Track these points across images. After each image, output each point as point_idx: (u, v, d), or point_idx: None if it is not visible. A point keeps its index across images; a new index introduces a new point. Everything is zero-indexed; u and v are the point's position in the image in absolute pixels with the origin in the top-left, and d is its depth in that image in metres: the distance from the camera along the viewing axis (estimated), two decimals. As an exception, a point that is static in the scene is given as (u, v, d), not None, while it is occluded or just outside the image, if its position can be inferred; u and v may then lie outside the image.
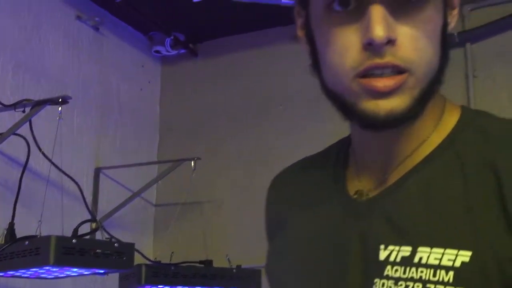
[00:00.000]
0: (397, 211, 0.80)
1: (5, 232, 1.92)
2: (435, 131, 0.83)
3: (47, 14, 2.62)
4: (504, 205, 0.73)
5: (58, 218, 1.98)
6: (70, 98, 2.00)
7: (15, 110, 2.07)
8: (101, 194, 2.77)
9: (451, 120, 0.84)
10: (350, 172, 0.90)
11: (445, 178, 0.79)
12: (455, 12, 0.84)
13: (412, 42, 0.76)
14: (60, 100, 1.99)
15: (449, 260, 0.73)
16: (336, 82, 0.80)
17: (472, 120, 0.83)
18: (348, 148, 0.92)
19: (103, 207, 2.68)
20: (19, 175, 2.07)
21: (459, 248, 0.73)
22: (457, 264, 0.73)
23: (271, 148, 2.88)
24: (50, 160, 2.06)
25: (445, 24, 0.81)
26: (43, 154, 2.06)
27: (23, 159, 2.11)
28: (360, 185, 0.87)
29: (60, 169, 2.08)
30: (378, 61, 0.75)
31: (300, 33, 0.86)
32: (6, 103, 2.13)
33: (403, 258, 0.76)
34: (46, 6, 2.62)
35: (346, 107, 0.80)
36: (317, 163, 0.95)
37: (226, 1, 2.63)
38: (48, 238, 1.72)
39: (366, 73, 0.76)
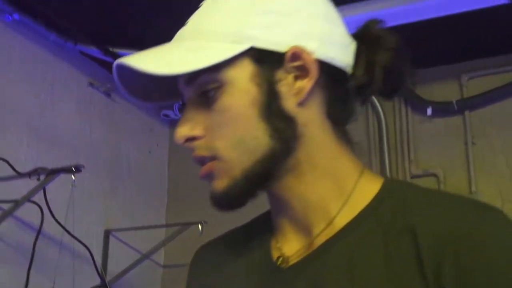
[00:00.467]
0: (322, 279, 0.81)
1: (19, 297, 1.99)
2: (348, 202, 0.84)
3: (60, 81, 2.73)
4: (422, 270, 0.75)
5: (70, 282, 2.05)
6: (83, 166, 2.09)
7: (30, 178, 2.15)
8: (111, 256, 2.83)
9: (371, 189, 0.85)
10: (274, 240, 0.91)
11: (368, 246, 0.80)
12: (308, 79, 0.83)
13: (213, 132, 0.82)
14: (73, 169, 2.08)
15: None
16: None
17: (393, 189, 0.85)
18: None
19: (113, 268, 2.74)
20: (33, 240, 2.14)
21: None
22: None
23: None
24: (63, 227, 2.14)
25: (268, 98, 0.82)
26: (56, 221, 2.13)
27: (36, 224, 2.18)
28: (281, 251, 0.88)
29: (72, 235, 2.15)
30: (193, 154, 0.85)
31: None
32: (20, 169, 2.21)
33: None
34: (59, 73, 2.73)
35: None
36: (243, 234, 0.98)
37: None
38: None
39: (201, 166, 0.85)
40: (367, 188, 0.85)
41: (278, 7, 0.82)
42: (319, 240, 0.85)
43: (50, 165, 2.47)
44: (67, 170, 2.08)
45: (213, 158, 0.83)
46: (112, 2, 2.51)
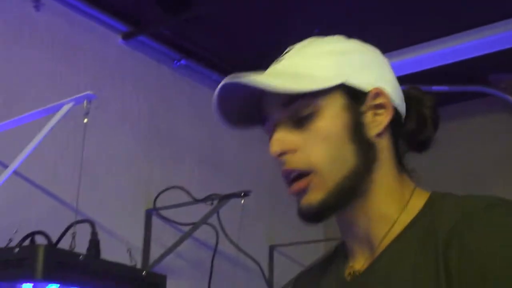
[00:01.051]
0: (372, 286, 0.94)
1: (202, 309, 2.29)
2: (403, 213, 0.96)
3: (223, 114, 3.06)
4: (438, 271, 0.85)
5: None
6: (250, 192, 2.37)
7: (205, 203, 2.47)
8: (276, 269, 3.10)
9: (418, 203, 0.96)
10: (347, 261, 1.03)
11: (401, 260, 0.91)
12: (381, 114, 0.97)
13: (310, 149, 0.94)
14: (242, 194, 2.36)
15: None
16: None
17: (434, 203, 0.95)
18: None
19: (279, 281, 3.00)
20: (211, 258, 2.44)
21: None
22: None
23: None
24: (236, 245, 2.43)
25: (355, 124, 0.96)
26: (230, 240, 2.43)
27: (212, 243, 2.48)
28: (352, 267, 1.00)
29: (245, 253, 2.43)
30: (283, 168, 0.96)
31: None
32: (195, 196, 2.53)
33: None
34: (222, 108, 3.05)
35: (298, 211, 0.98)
36: (329, 260, 1.10)
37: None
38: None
39: (288, 181, 0.96)
40: (416, 204, 0.97)
41: (362, 56, 1.01)
42: (372, 258, 0.97)
43: (218, 189, 2.80)
44: (237, 195, 2.36)
45: (309, 172, 0.94)
46: (260, 42, 2.79)
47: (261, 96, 0.99)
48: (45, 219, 2.16)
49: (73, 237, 1.51)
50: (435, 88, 3.10)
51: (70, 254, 1.45)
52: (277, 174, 2.87)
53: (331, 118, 0.95)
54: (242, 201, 2.36)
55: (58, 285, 1.46)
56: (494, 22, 2.64)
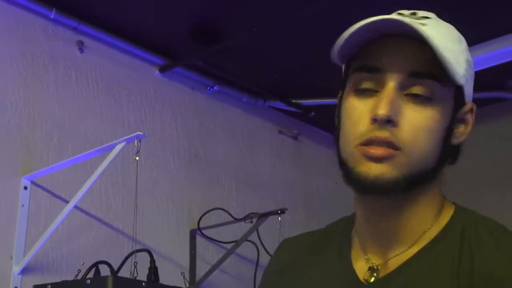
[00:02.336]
0: None
1: (249, 321, 2.46)
2: (435, 224, 0.96)
3: (255, 134, 3.23)
4: None
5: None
6: (287, 209, 2.53)
7: (245, 222, 2.63)
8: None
9: (445, 216, 0.97)
10: (355, 252, 1.00)
11: (436, 272, 0.91)
12: (464, 129, 0.98)
13: (411, 128, 0.90)
14: (279, 211, 2.53)
15: None
16: (344, 148, 0.94)
17: (461, 219, 0.96)
18: (351, 230, 1.04)
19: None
20: (253, 273, 2.61)
21: None
22: None
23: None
24: (276, 260, 2.59)
25: (449, 130, 0.95)
26: (270, 255, 2.58)
27: (254, 259, 2.64)
28: (369, 260, 0.97)
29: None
30: (377, 134, 0.90)
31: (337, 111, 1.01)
32: (234, 215, 2.70)
33: None
34: (254, 128, 3.22)
35: (348, 172, 0.93)
36: (321, 240, 1.07)
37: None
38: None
39: (367, 143, 0.90)
40: (444, 216, 0.97)
41: (472, 66, 0.98)
42: (394, 262, 0.95)
43: (255, 206, 2.97)
44: (274, 213, 2.53)
45: (398, 148, 0.90)
46: (286, 63, 2.95)
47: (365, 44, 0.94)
48: (103, 248, 2.35)
49: (135, 266, 1.68)
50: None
51: (134, 282, 1.62)
52: (310, 188, 3.03)
53: (440, 112, 0.93)
54: (279, 218, 2.53)
55: (125, 310, 1.64)
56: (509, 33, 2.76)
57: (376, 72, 0.93)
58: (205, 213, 2.65)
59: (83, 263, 1.72)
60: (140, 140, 1.88)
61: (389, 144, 0.90)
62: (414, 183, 0.92)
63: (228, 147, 3.07)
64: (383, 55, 0.93)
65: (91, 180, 1.97)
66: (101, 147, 2.04)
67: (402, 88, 0.92)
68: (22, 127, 2.26)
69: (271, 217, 2.58)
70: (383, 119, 0.90)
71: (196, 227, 2.68)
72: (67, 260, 2.25)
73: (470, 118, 0.98)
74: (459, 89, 0.95)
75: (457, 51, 0.94)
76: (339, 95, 1.01)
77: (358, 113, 0.93)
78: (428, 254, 0.93)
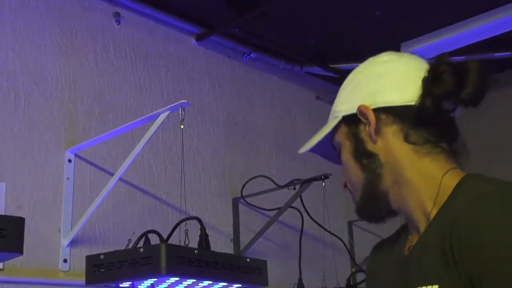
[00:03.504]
0: (410, 266, 1.10)
1: (296, 286, 2.46)
2: (438, 196, 1.10)
3: (293, 100, 3.20)
4: (452, 255, 0.99)
5: (334, 269, 2.49)
6: (331, 174, 2.51)
7: (288, 189, 2.62)
8: (356, 243, 3.25)
9: (450, 185, 1.09)
10: (408, 241, 1.19)
11: (431, 239, 1.06)
12: (366, 127, 1.14)
13: (345, 175, 1.21)
14: (322, 177, 2.51)
15: None
16: None
17: (461, 187, 1.08)
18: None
19: (359, 252, 3.13)
20: (298, 239, 2.60)
21: (433, 284, 1.02)
22: None
23: None
24: (320, 225, 2.58)
25: (356, 145, 1.17)
26: (315, 221, 2.58)
27: (298, 225, 2.64)
28: (411, 242, 1.16)
29: (329, 232, 2.58)
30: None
31: None
32: (274, 180, 2.69)
33: None
34: (292, 94, 3.20)
35: None
36: (400, 232, 1.26)
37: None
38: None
39: None
40: (448, 185, 1.09)
41: (351, 85, 1.20)
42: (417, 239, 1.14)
43: (295, 173, 2.96)
44: (317, 178, 2.51)
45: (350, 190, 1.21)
46: (323, 28, 2.91)
47: None
48: (148, 219, 2.36)
49: (186, 234, 1.68)
50: (497, 55, 3.18)
51: (187, 250, 1.62)
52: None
53: (345, 148, 1.18)
54: (323, 184, 2.51)
55: (178, 278, 1.64)
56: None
57: None
58: (247, 181, 2.64)
59: (134, 232, 1.72)
60: (184, 109, 1.87)
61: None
62: (370, 197, 1.16)
63: (266, 115, 3.05)
64: None
65: (136, 151, 1.97)
66: (144, 116, 2.03)
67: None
68: (64, 101, 2.27)
69: (314, 183, 2.56)
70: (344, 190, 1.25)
71: (238, 195, 2.68)
72: (114, 231, 2.27)
73: (366, 113, 1.13)
74: (343, 119, 1.17)
75: (335, 105, 1.23)
76: None
77: None
78: (429, 229, 1.09)
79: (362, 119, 1.14)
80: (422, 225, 1.12)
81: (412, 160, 1.12)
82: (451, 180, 1.09)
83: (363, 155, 1.15)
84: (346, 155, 1.18)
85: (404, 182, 1.13)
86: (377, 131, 1.14)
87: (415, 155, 1.12)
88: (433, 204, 1.10)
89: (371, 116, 1.13)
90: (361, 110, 1.14)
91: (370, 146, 1.15)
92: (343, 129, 1.18)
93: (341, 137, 1.19)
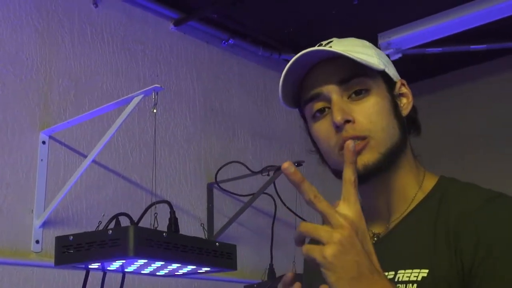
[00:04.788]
0: (389, 249, 1.10)
1: (267, 271, 2.49)
2: (419, 191, 1.15)
3: (271, 87, 3.22)
4: (448, 239, 1.03)
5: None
6: (303, 161, 2.53)
7: (262, 175, 2.65)
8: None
9: (429, 184, 1.16)
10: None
11: (419, 227, 1.10)
12: (405, 100, 1.18)
13: (365, 117, 1.11)
14: (296, 164, 2.53)
15: (414, 276, 1.05)
16: (331, 161, 1.16)
17: (442, 185, 1.15)
18: None
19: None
20: (271, 225, 2.63)
21: (421, 268, 1.04)
22: (419, 278, 1.04)
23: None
24: (293, 212, 2.61)
25: (394, 105, 1.16)
26: (288, 208, 2.61)
27: (271, 211, 2.67)
28: (371, 231, 1.16)
29: (302, 218, 2.61)
30: (344, 135, 1.10)
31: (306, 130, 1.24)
32: (250, 168, 2.71)
33: (389, 279, 1.03)
34: (269, 81, 3.22)
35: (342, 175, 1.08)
36: None
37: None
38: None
39: (342, 147, 1.05)
40: (427, 184, 1.16)
41: (378, 51, 1.20)
42: (391, 226, 1.16)
43: (271, 159, 2.99)
44: (291, 166, 2.53)
45: (365, 137, 1.10)
46: (302, 16, 2.93)
47: (303, 79, 1.17)
48: (122, 202, 2.38)
49: (155, 217, 1.70)
50: (473, 47, 3.21)
51: (155, 232, 1.64)
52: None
53: (381, 96, 1.14)
54: (297, 171, 2.53)
55: (146, 260, 1.67)
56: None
57: (318, 97, 1.14)
58: (222, 167, 2.67)
59: (104, 214, 1.74)
60: (157, 93, 1.88)
61: (356, 138, 1.09)
62: (392, 156, 1.12)
63: (243, 101, 3.07)
64: (317, 82, 1.14)
65: (109, 133, 1.98)
66: (118, 100, 2.04)
67: (343, 94, 1.12)
68: (39, 82, 2.27)
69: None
70: (341, 122, 1.09)
71: (213, 180, 2.70)
72: (87, 213, 2.28)
73: (405, 90, 1.19)
74: (384, 75, 1.16)
75: (363, 50, 1.16)
76: (307, 132, 1.23)
77: (323, 131, 1.14)
78: (413, 215, 1.13)
79: (398, 90, 1.18)
80: (394, 216, 1.15)
81: (411, 149, 1.19)
82: (430, 180, 1.17)
83: (401, 118, 1.16)
84: (384, 104, 1.14)
85: (406, 163, 1.16)
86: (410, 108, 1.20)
87: (409, 143, 1.19)
88: (419, 188, 1.15)
89: (411, 95, 1.19)
90: (403, 84, 1.20)
91: (402, 115, 1.17)
92: (381, 82, 1.16)
93: (378, 85, 1.15)
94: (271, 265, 2.49)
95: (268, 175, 2.62)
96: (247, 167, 2.66)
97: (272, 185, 2.61)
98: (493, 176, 2.88)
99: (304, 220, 2.66)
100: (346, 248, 0.88)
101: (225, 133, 2.93)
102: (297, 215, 2.63)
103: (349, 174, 0.94)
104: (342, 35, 1.23)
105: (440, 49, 3.17)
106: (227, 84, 3.01)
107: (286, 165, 0.93)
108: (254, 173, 2.66)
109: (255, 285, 2.41)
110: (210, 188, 2.77)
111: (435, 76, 3.64)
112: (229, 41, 2.99)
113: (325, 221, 0.92)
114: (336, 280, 0.88)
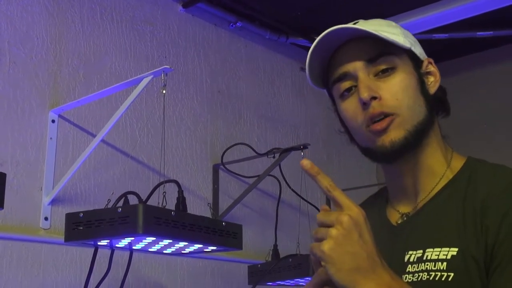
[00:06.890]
0: (417, 228, 1.14)
1: (271, 252, 2.52)
2: (448, 170, 1.17)
3: (278, 70, 3.24)
4: (481, 225, 1.05)
5: (309, 238, 2.55)
6: (309, 144, 2.56)
7: (267, 157, 2.67)
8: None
9: (457, 164, 1.18)
10: (389, 211, 1.24)
11: (448, 206, 1.12)
12: (432, 79, 1.20)
13: (392, 94, 1.13)
14: (301, 147, 2.56)
15: (443, 255, 1.07)
16: (360, 139, 1.19)
17: (471, 165, 1.17)
18: (382, 199, 1.29)
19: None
20: (275, 207, 2.66)
21: (450, 246, 1.06)
22: (449, 257, 1.06)
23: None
24: (298, 194, 2.64)
25: (421, 83, 1.18)
26: (293, 190, 2.64)
27: (276, 193, 2.70)
28: (399, 211, 1.21)
29: (306, 201, 2.64)
30: (371, 111, 1.13)
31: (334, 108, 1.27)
32: (255, 148, 2.74)
33: (417, 258, 1.11)
34: (276, 64, 3.24)
35: (372, 153, 1.16)
36: (373, 201, 1.31)
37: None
38: (308, 255, 2.28)
39: (369, 122, 1.13)
40: (456, 164, 1.19)
41: (404, 31, 1.22)
42: (420, 205, 1.18)
43: (276, 142, 3.02)
44: (296, 148, 2.56)
45: (391, 114, 1.12)
46: (311, 1, 2.95)
47: (330, 59, 1.19)
48: (129, 181, 2.41)
49: (164, 196, 1.73)
50: (480, 34, 3.22)
51: (164, 211, 1.67)
52: (331, 127, 3.05)
53: (407, 74, 1.16)
54: (302, 153, 2.56)
55: (155, 237, 1.70)
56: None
57: (346, 76, 1.16)
58: (228, 148, 2.69)
59: (113, 193, 1.77)
60: (166, 74, 1.91)
61: (384, 114, 1.12)
62: (419, 133, 1.13)
63: (250, 84, 3.09)
64: (343, 62, 1.17)
65: (118, 113, 2.01)
66: (128, 80, 2.06)
67: (369, 72, 1.15)
68: (49, 62, 2.29)
69: (293, 153, 2.61)
70: (367, 99, 1.12)
71: (219, 162, 2.72)
72: (95, 191, 2.31)
73: (432, 68, 1.22)
74: (410, 53, 1.18)
75: (389, 29, 1.17)
76: (335, 112, 1.26)
77: (351, 109, 1.16)
78: (442, 194, 1.15)
79: (425, 69, 1.20)
80: (421, 196, 1.17)
81: (439, 128, 1.21)
82: (458, 159, 1.19)
83: (428, 96, 1.18)
84: (410, 81, 1.16)
85: (432, 144, 1.18)
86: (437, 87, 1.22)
87: (437, 123, 1.21)
88: (447, 167, 1.17)
89: (438, 74, 1.22)
90: (431, 63, 1.22)
91: (429, 93, 1.19)
92: (408, 60, 1.18)
93: (404, 63, 1.17)
94: (275, 245, 2.51)
95: (274, 157, 2.64)
96: (253, 149, 2.69)
97: (278, 167, 2.63)
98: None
99: (308, 202, 2.69)
100: (342, 242, 0.95)
101: (231, 115, 2.95)
102: (301, 197, 2.66)
103: (323, 183, 1.00)
104: (348, 20, 1.24)
105: (446, 35, 3.18)
106: (235, 67, 3.03)
107: (305, 162, 1.01)
108: (259, 155, 2.68)
109: (259, 265, 2.44)
110: (216, 169, 2.80)
111: (441, 62, 3.65)
112: (237, 23, 3.00)
113: (336, 206, 0.99)
114: (336, 271, 0.96)
